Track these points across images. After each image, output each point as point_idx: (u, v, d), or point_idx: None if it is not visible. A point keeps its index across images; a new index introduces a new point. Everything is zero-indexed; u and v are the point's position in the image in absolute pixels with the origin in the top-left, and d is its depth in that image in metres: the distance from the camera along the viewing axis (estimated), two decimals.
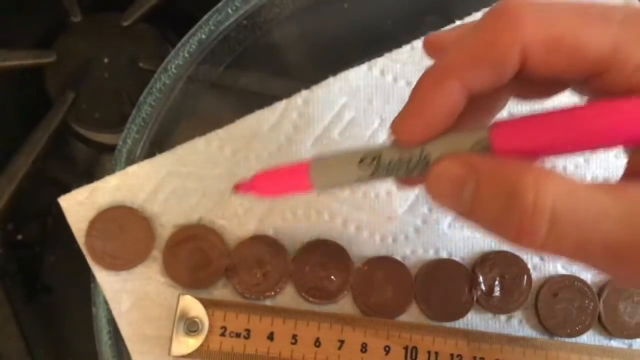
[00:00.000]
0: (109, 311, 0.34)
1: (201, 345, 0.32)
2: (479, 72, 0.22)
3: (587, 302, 0.35)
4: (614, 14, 0.21)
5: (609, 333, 0.35)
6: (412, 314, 0.35)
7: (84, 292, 0.35)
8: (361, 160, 0.24)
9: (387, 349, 0.33)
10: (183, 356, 0.32)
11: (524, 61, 0.21)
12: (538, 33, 0.21)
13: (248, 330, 0.33)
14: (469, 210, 0.22)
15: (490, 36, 0.21)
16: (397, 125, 0.23)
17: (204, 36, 0.36)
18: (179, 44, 0.36)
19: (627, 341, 0.36)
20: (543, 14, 0.21)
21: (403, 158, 0.23)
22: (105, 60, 0.42)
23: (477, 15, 0.37)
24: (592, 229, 0.19)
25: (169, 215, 0.35)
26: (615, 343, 0.35)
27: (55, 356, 0.40)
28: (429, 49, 0.26)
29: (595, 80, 0.21)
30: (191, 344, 0.32)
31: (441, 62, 0.23)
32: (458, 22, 0.37)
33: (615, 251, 0.20)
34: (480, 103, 0.23)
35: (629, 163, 0.23)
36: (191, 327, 0.32)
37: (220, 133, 0.36)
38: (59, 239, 0.41)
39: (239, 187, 0.28)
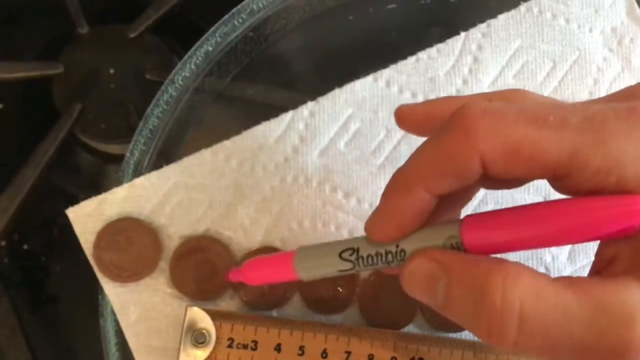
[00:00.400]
0: (116, 323, 0.34)
1: (208, 357, 0.32)
2: (442, 182, 0.23)
3: None
4: (571, 117, 0.21)
5: None
6: (419, 325, 0.35)
7: (90, 303, 0.35)
8: (341, 253, 0.25)
9: None
10: None
11: (485, 168, 0.22)
12: (495, 144, 0.21)
13: (255, 342, 0.33)
14: (443, 306, 0.23)
15: (449, 149, 0.22)
16: (370, 226, 0.24)
17: (210, 48, 0.37)
18: (186, 56, 0.36)
19: None
20: (499, 125, 0.21)
21: (380, 252, 0.25)
22: (112, 71, 0.42)
23: (481, 27, 0.38)
24: (560, 329, 0.20)
25: (175, 227, 0.35)
26: None
27: None
28: (399, 120, 0.27)
29: (559, 181, 0.22)
30: (199, 355, 0.32)
31: (406, 169, 0.23)
32: (462, 34, 0.38)
33: (580, 352, 0.20)
34: (451, 198, 0.24)
35: (596, 257, 0.23)
36: (198, 338, 0.32)
37: (226, 144, 0.36)
38: (64, 249, 0.41)
39: (231, 275, 0.30)
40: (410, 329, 0.35)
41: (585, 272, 0.36)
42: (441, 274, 0.22)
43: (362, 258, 0.25)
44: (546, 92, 0.37)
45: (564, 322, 0.20)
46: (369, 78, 0.37)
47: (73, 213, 0.35)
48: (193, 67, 0.36)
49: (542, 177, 0.22)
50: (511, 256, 0.23)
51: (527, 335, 0.20)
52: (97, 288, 0.35)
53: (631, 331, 0.19)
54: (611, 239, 0.22)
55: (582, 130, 0.21)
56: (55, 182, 0.42)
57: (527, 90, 0.26)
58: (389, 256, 0.24)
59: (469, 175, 0.22)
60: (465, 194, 0.27)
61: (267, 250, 0.35)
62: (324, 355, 0.33)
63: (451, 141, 0.22)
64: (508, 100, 0.25)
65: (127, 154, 0.35)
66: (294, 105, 0.36)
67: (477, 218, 0.23)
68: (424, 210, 0.23)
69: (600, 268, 0.23)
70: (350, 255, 0.25)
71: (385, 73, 0.37)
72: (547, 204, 0.22)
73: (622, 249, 0.22)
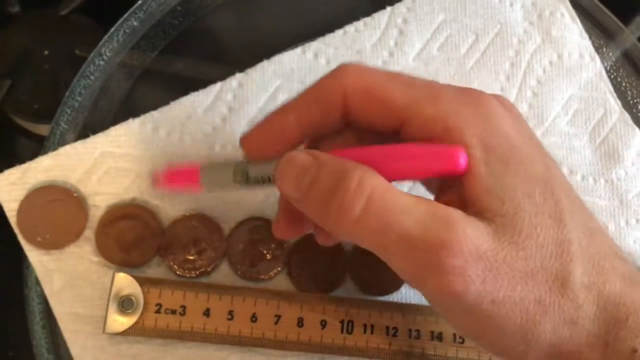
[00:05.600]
0: (41, 291, 0.34)
1: (136, 323, 0.32)
2: (310, 110, 0.28)
3: None
4: (418, 81, 0.28)
5: None
6: (348, 289, 0.35)
7: (16, 272, 0.35)
8: (235, 170, 0.29)
9: (323, 323, 0.33)
10: (117, 333, 0.32)
11: (346, 106, 0.27)
12: (356, 84, 0.27)
13: (184, 307, 0.33)
14: (305, 196, 0.26)
15: (319, 85, 0.28)
16: (243, 141, 0.29)
17: (137, 21, 0.37)
18: (113, 28, 0.36)
19: None
20: (363, 74, 0.28)
21: (264, 177, 0.28)
22: (46, 52, 0.42)
23: (406, 2, 0.39)
24: (395, 217, 0.24)
25: (102, 196, 0.35)
26: None
27: None
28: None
29: (402, 130, 0.27)
30: (126, 321, 0.32)
31: (288, 101, 0.29)
32: (388, 8, 0.39)
33: (406, 242, 0.24)
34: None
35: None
36: (126, 304, 0.32)
37: (154, 114, 0.36)
38: None
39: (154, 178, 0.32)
40: (340, 293, 0.35)
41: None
42: (313, 163, 0.26)
43: (251, 177, 0.29)
44: (469, 63, 0.39)
45: (400, 213, 0.24)
46: (297, 50, 0.38)
47: None
48: (120, 39, 0.36)
49: (390, 122, 0.27)
50: None
51: (369, 215, 0.24)
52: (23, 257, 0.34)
53: (448, 233, 0.24)
54: (441, 177, 0.27)
55: (422, 89, 0.27)
56: None
57: None
58: (271, 179, 0.28)
59: (332, 105, 0.27)
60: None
61: (194, 216, 0.35)
62: (254, 319, 0.33)
63: (323, 80, 0.28)
64: None
65: (53, 124, 0.35)
66: (222, 78, 0.37)
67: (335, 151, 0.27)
68: (290, 136, 0.28)
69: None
70: (242, 174, 0.29)
71: (314, 45, 0.38)
72: (390, 147, 0.27)
73: (452, 197, 0.26)
